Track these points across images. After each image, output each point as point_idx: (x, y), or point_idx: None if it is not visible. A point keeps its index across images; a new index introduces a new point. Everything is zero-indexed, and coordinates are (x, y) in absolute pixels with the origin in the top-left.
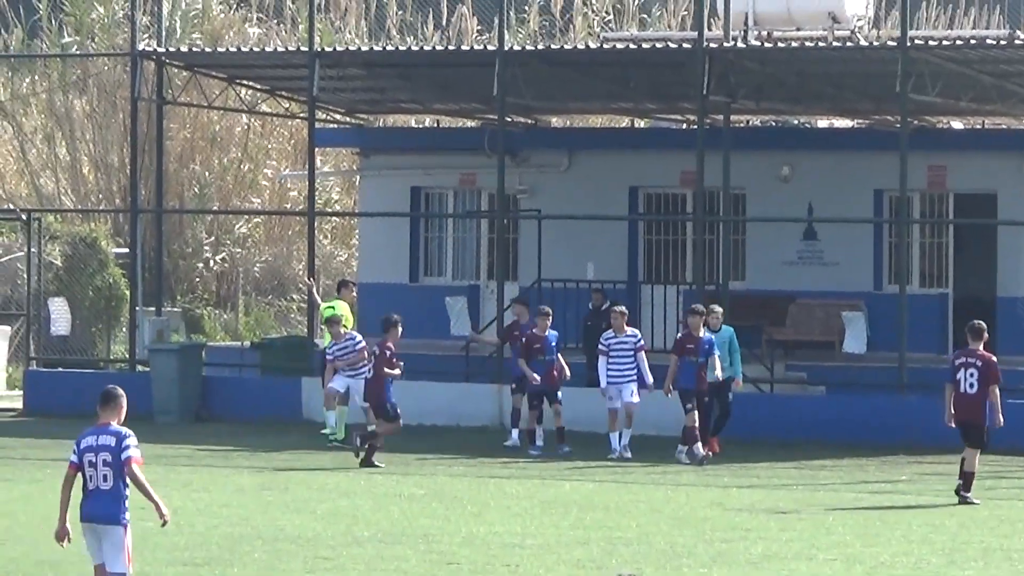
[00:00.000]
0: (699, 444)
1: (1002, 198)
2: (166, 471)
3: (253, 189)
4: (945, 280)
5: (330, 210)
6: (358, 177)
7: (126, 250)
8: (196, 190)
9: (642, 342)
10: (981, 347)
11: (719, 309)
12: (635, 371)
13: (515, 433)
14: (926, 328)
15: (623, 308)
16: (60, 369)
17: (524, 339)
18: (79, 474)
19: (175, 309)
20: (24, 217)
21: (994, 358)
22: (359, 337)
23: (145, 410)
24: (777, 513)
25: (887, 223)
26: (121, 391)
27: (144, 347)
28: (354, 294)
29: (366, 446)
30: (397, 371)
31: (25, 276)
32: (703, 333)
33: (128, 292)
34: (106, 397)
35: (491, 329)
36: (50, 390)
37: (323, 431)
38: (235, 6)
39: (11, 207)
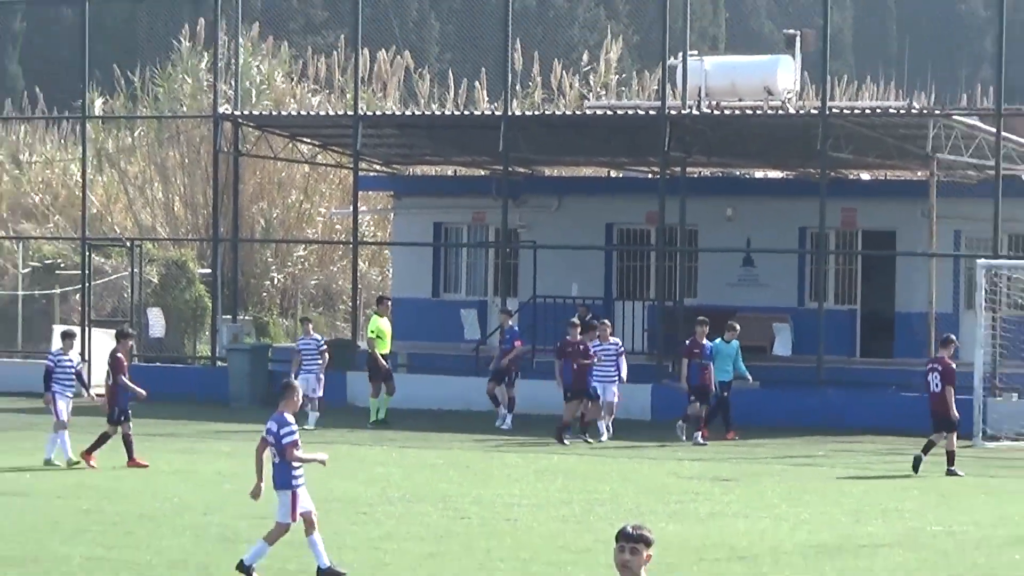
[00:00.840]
0: (700, 431)
1: (900, 235)
2: (240, 444)
3: (309, 223)
4: (854, 298)
5: (369, 240)
6: (392, 214)
7: (208, 271)
8: (264, 223)
9: (623, 349)
10: (947, 355)
11: (737, 327)
12: (616, 373)
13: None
14: (839, 336)
15: (607, 321)
16: (157, 364)
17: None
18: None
19: (247, 317)
20: (128, 244)
21: (952, 364)
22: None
23: (222, 397)
24: (721, 480)
25: (809, 253)
26: (296, 384)
27: (222, 347)
28: (389, 306)
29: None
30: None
31: (129, 291)
32: (705, 341)
33: (210, 304)
34: (288, 388)
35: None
36: (149, 381)
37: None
38: (296, 79)
39: (118, 236)
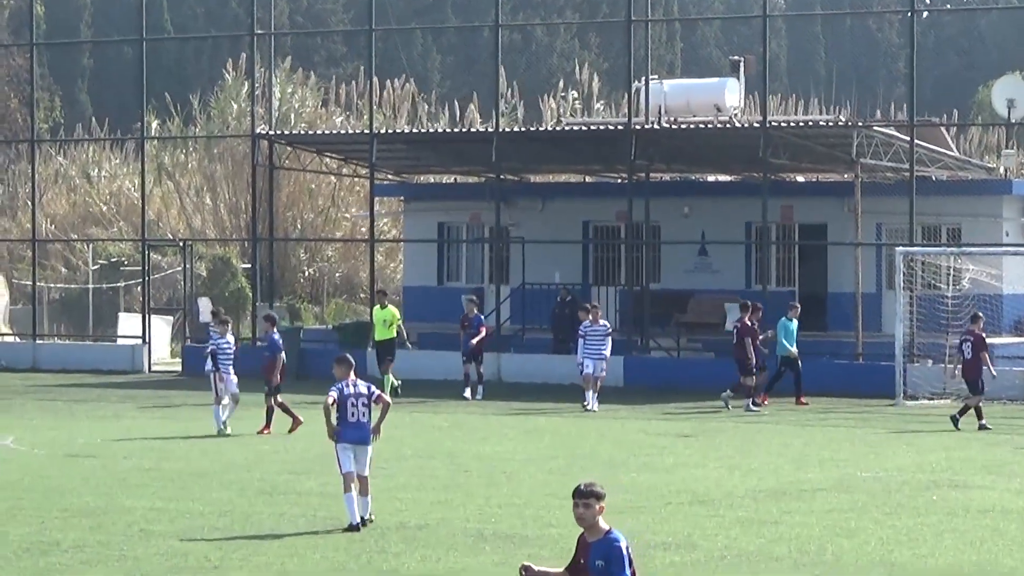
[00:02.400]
0: (751, 399)
1: (830, 227)
2: (278, 411)
3: (335, 225)
4: (793, 281)
5: (384, 238)
6: (403, 216)
7: (249, 265)
8: (297, 225)
9: (610, 330)
10: (977, 328)
11: (798, 306)
12: (604, 351)
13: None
14: (781, 313)
15: (597, 305)
16: (206, 344)
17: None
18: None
19: (282, 304)
20: (181, 244)
21: (983, 335)
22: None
23: (260, 371)
24: (682, 436)
25: (753, 244)
26: (350, 358)
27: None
28: (386, 297)
29: None
30: None
31: (181, 283)
32: (748, 322)
33: (250, 293)
34: (345, 361)
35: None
36: (199, 359)
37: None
38: (321, 103)
39: (173, 238)
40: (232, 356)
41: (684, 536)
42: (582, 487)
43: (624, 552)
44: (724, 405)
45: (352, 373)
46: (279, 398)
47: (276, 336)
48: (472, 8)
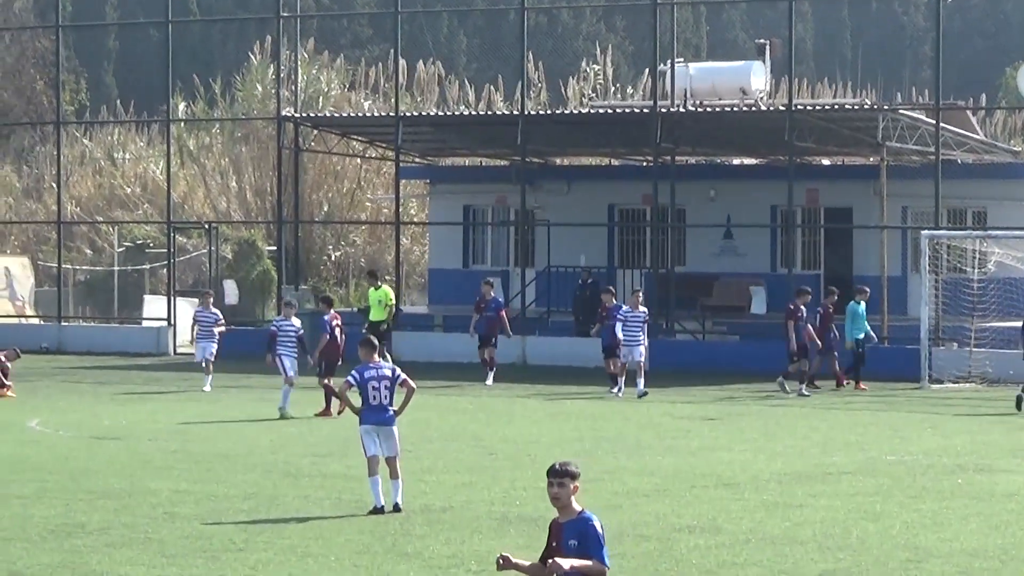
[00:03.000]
0: (805, 384)
1: (856, 210)
2: (301, 394)
3: (359, 207)
4: (818, 264)
5: (409, 221)
6: (428, 198)
7: (274, 248)
8: (323, 208)
9: (648, 317)
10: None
11: (867, 290)
12: (641, 336)
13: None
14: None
15: (612, 288)
16: (232, 327)
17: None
18: (355, 391)
19: (307, 287)
20: (207, 227)
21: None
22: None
23: None
24: (707, 419)
25: (779, 227)
26: (375, 340)
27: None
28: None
29: None
30: None
31: (207, 266)
32: (803, 306)
33: (275, 276)
34: (369, 343)
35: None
36: (225, 341)
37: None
38: (347, 85)
39: (198, 220)
40: (295, 339)
41: (709, 519)
42: (557, 466)
43: (599, 531)
44: (780, 388)
45: (376, 355)
46: (328, 381)
47: (327, 318)
48: None
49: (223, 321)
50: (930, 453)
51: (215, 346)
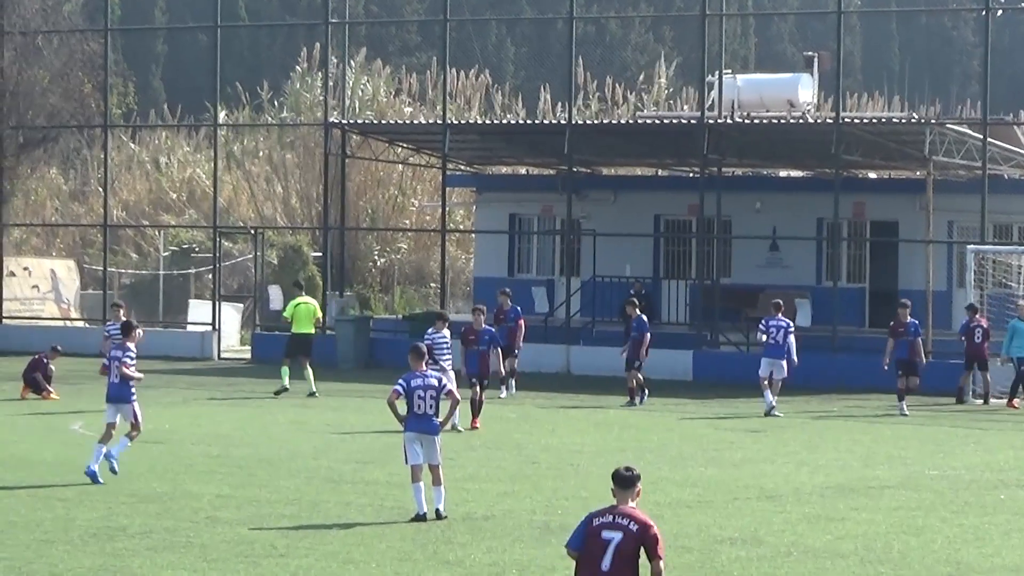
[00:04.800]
0: (904, 402)
1: (902, 224)
2: (346, 400)
3: (404, 214)
4: (863, 278)
5: (455, 228)
6: (475, 206)
7: (319, 254)
8: (368, 214)
9: (792, 327)
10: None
11: None
12: (785, 350)
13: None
14: (851, 309)
15: (778, 300)
16: (276, 332)
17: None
18: (401, 400)
19: (352, 293)
20: (252, 232)
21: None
22: None
23: (332, 360)
24: (751, 432)
25: (825, 240)
26: (423, 347)
27: (332, 318)
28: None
29: None
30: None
31: (252, 271)
32: (908, 319)
33: (321, 281)
34: (417, 351)
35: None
36: (269, 346)
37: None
38: (394, 92)
39: (244, 225)
40: (448, 351)
41: (751, 531)
42: (623, 470)
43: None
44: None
45: (424, 364)
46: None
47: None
48: (547, 0)
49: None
50: (973, 468)
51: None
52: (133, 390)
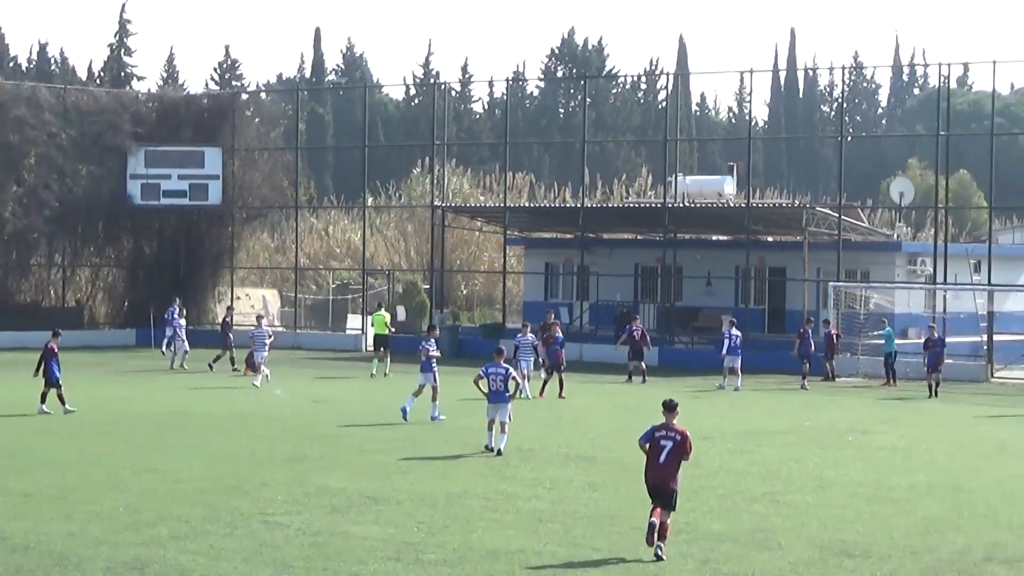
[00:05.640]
0: (805, 380)
1: (789, 269)
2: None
3: (480, 261)
4: (764, 301)
5: (511, 271)
6: (524, 257)
7: (428, 286)
8: (458, 262)
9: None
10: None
11: None
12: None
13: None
14: (757, 321)
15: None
16: (399, 335)
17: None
18: (483, 380)
19: (448, 310)
20: (386, 272)
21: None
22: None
23: None
24: (693, 397)
25: (739, 279)
26: (503, 348)
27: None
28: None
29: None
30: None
31: (386, 297)
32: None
33: (428, 303)
34: (498, 351)
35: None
36: (399, 345)
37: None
38: (473, 186)
39: (380, 268)
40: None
41: (693, 460)
42: (669, 400)
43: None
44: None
45: (501, 359)
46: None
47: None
48: (569, 129)
49: (272, 335)
50: (832, 421)
51: (266, 354)
52: (435, 365)
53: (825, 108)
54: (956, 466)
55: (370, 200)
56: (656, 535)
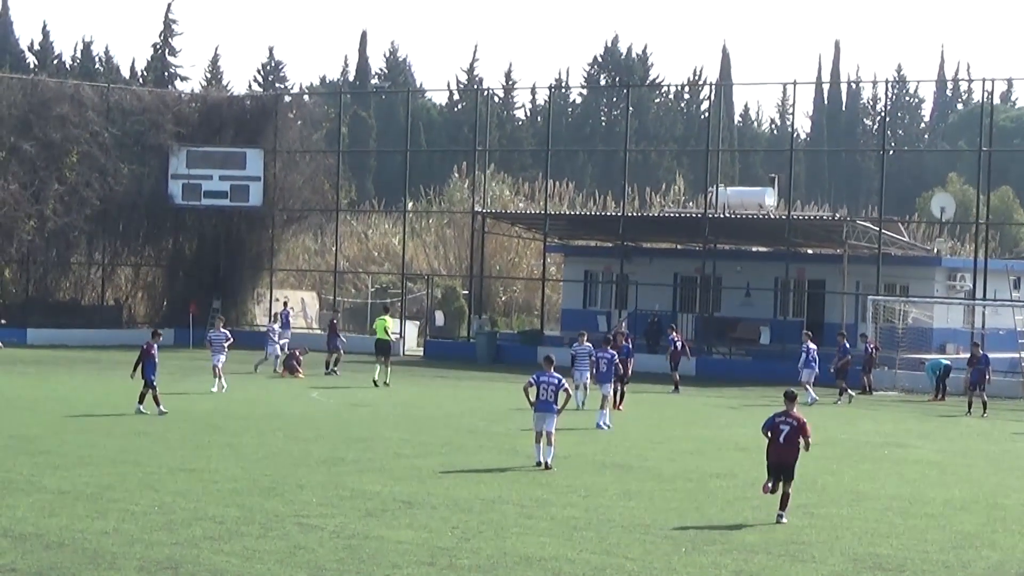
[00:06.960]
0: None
1: (828, 282)
2: (482, 383)
3: (519, 268)
4: (803, 313)
5: (550, 278)
6: (563, 265)
7: (467, 292)
8: (497, 268)
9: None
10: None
11: None
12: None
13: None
14: (796, 333)
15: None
16: (439, 340)
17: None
18: (533, 388)
19: (487, 316)
20: (426, 277)
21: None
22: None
23: (473, 358)
24: (730, 408)
25: (779, 290)
26: (553, 357)
27: (474, 331)
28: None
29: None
30: None
31: (425, 301)
32: (844, 343)
33: (467, 308)
34: (547, 359)
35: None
36: (434, 349)
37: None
38: (514, 193)
39: (420, 273)
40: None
41: (728, 470)
42: (789, 391)
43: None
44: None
45: (551, 367)
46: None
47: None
48: (611, 137)
49: (231, 339)
50: (868, 433)
51: (224, 357)
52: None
53: (868, 121)
54: (992, 482)
55: (410, 205)
56: (780, 503)
